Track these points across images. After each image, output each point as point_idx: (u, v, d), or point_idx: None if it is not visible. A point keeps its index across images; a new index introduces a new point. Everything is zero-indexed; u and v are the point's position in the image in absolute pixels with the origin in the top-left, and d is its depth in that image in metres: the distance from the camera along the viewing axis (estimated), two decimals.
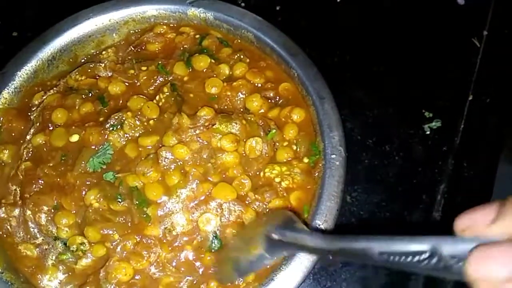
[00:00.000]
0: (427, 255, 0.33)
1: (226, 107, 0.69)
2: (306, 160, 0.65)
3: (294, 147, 0.66)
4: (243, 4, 0.91)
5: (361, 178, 0.77)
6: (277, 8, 0.92)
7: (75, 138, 0.66)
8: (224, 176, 0.63)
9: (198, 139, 0.62)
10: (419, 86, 0.84)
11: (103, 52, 0.74)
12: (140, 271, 0.60)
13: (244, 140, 0.63)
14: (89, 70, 0.72)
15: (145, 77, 0.70)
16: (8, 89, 0.69)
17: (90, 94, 0.70)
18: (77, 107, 0.69)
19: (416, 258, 0.33)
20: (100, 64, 0.72)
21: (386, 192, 0.76)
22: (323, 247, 0.43)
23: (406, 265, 0.34)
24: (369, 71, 0.85)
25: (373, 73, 0.85)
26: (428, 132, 0.81)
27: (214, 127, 0.62)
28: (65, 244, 0.62)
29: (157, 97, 0.67)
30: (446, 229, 0.70)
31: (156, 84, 0.69)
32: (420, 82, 0.84)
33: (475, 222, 0.32)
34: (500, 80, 0.84)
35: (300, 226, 0.48)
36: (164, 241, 0.61)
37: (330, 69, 0.77)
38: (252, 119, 0.65)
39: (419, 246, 0.33)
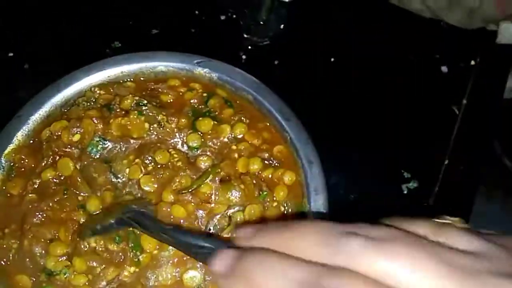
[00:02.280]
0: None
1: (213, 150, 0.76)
2: None
3: (283, 208, 0.72)
4: (244, 57, 0.97)
5: None
6: (275, 62, 0.98)
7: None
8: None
9: (198, 209, 0.69)
10: (400, 148, 0.92)
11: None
12: None
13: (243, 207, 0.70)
14: (111, 89, 0.79)
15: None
16: (22, 131, 0.75)
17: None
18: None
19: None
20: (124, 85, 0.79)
21: None
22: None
23: None
24: (356, 132, 0.92)
25: (359, 134, 0.92)
26: (405, 192, 0.88)
27: (213, 199, 0.69)
28: (48, 274, 0.67)
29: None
30: None
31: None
32: (401, 144, 0.92)
33: (244, 233, 0.37)
34: (474, 148, 0.92)
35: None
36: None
37: (321, 126, 0.85)
38: (248, 181, 0.71)
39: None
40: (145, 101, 0.76)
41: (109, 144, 0.75)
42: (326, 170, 0.77)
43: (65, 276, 0.66)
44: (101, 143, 0.74)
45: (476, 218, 0.91)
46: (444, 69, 1.00)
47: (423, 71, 1.00)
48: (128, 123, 0.75)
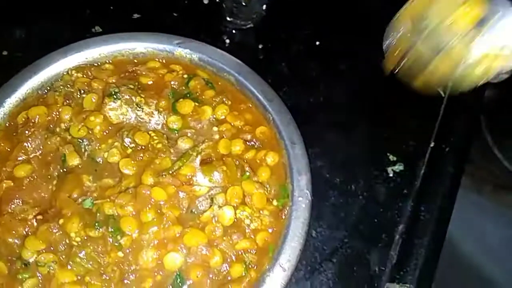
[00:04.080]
0: None
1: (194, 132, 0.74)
2: (275, 202, 0.71)
3: (266, 190, 0.71)
4: (228, 41, 0.96)
5: (327, 215, 0.82)
6: (260, 46, 0.97)
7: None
8: (198, 221, 0.68)
9: (179, 191, 0.67)
10: (386, 131, 0.90)
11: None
12: None
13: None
14: (89, 72, 0.77)
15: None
16: None
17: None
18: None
19: None
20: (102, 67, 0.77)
21: (349, 229, 0.81)
22: None
23: None
24: (342, 113, 0.91)
25: (345, 115, 0.91)
26: (391, 175, 0.87)
27: (194, 181, 0.68)
28: (24, 264, 0.65)
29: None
30: (399, 268, 0.78)
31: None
32: (388, 127, 0.91)
33: None
34: (459, 129, 0.91)
35: None
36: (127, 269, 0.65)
37: (304, 109, 0.83)
38: (230, 163, 0.70)
39: None
40: (117, 89, 0.74)
41: (86, 129, 0.73)
42: (310, 153, 0.76)
43: (48, 269, 0.65)
44: (79, 127, 0.73)
45: (465, 208, 0.91)
46: None
47: None
48: (105, 109, 0.74)
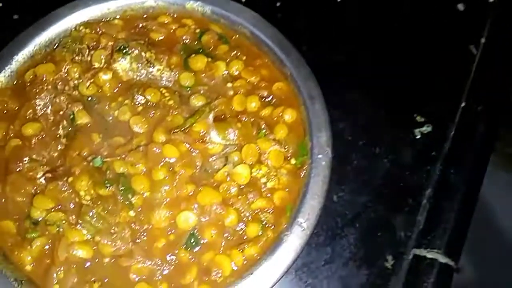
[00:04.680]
0: None
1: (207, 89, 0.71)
2: (293, 161, 0.67)
3: (283, 149, 0.67)
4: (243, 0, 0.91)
5: (349, 179, 0.78)
6: (277, 4, 0.92)
7: None
8: (211, 180, 0.64)
9: (191, 149, 0.64)
10: (412, 90, 0.85)
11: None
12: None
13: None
14: (98, 28, 0.74)
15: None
16: (4, 72, 0.70)
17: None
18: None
19: None
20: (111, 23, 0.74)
21: (373, 194, 0.77)
22: None
23: None
24: (364, 73, 0.86)
25: (368, 75, 0.86)
26: (418, 137, 0.81)
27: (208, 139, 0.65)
28: (33, 223, 0.63)
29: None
30: (427, 233, 0.73)
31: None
32: (414, 86, 0.85)
33: None
34: (493, 88, 0.85)
35: None
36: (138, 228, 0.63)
37: (326, 69, 0.78)
38: (246, 119, 0.66)
39: None
40: (126, 44, 0.70)
41: (95, 87, 0.70)
42: (331, 115, 0.71)
43: (57, 229, 0.62)
44: (87, 84, 0.70)
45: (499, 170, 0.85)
46: (460, 7, 0.92)
47: (438, 9, 0.92)
48: (115, 65, 0.71)
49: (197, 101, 0.69)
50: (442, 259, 0.71)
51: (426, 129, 0.82)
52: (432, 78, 0.86)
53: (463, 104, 0.83)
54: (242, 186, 0.64)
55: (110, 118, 0.69)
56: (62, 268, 0.60)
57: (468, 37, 0.89)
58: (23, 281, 0.59)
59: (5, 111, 0.69)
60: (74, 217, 0.62)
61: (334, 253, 0.72)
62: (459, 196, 0.76)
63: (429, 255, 0.72)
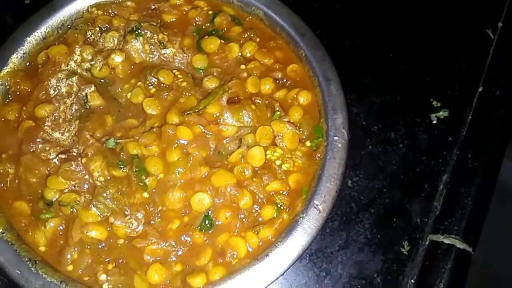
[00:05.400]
0: None
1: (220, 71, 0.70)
2: (308, 143, 0.66)
3: (297, 131, 0.66)
4: None
5: (364, 164, 0.77)
6: None
7: None
8: (226, 162, 0.64)
9: (205, 131, 0.63)
10: (429, 75, 0.83)
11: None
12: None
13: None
14: (110, 9, 0.74)
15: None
16: (17, 53, 0.70)
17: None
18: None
19: None
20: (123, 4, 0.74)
21: (388, 179, 0.76)
22: None
23: None
24: (379, 57, 0.84)
25: (383, 59, 0.84)
26: (434, 122, 0.80)
27: (221, 121, 0.64)
28: (47, 204, 0.62)
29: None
30: (444, 219, 0.71)
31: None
32: (430, 71, 0.83)
33: None
34: (511, 72, 0.83)
35: None
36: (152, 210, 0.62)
37: (340, 53, 0.77)
38: (260, 101, 0.65)
39: None
40: (139, 25, 0.70)
41: (108, 69, 0.69)
42: (346, 99, 0.70)
43: (71, 209, 0.62)
44: (100, 66, 0.69)
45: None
46: None
47: None
48: (127, 47, 0.70)
49: (210, 83, 0.68)
50: (460, 244, 0.70)
51: (443, 114, 0.80)
52: (449, 63, 0.84)
53: (480, 89, 0.82)
54: (257, 169, 0.64)
55: (123, 100, 0.69)
56: (76, 249, 0.59)
57: (485, 21, 0.87)
58: (37, 261, 0.58)
59: (18, 93, 0.69)
60: (87, 197, 0.62)
61: (349, 238, 0.71)
62: (477, 181, 0.75)
63: (446, 241, 0.70)
